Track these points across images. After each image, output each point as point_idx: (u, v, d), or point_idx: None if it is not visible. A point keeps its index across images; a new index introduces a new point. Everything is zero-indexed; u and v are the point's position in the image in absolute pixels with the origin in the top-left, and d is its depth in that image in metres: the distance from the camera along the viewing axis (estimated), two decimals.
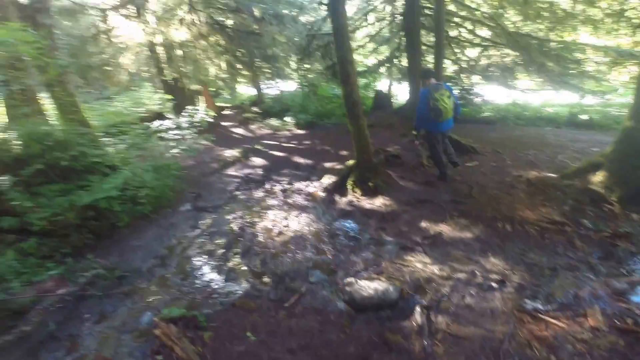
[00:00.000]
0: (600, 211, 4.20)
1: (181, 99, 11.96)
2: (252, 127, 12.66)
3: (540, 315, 2.76)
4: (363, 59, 13.67)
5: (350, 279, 3.47)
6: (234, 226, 5.00)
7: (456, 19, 9.84)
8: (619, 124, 9.55)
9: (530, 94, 10.81)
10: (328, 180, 6.19)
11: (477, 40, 10.24)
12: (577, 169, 5.11)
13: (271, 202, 5.79)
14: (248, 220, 5.12)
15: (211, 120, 10.12)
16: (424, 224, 4.54)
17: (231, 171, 7.96)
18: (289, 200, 5.80)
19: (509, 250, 3.78)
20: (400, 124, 9.32)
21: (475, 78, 11.25)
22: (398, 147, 7.45)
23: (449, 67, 11.82)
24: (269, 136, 10.90)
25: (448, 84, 5.51)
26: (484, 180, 5.63)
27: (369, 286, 3.27)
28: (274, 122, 12.51)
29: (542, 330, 2.64)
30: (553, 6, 7.79)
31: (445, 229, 4.36)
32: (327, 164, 7.27)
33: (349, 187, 5.78)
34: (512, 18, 9.34)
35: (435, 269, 3.56)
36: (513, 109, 11.59)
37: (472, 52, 11.35)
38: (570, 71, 8.46)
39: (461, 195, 5.18)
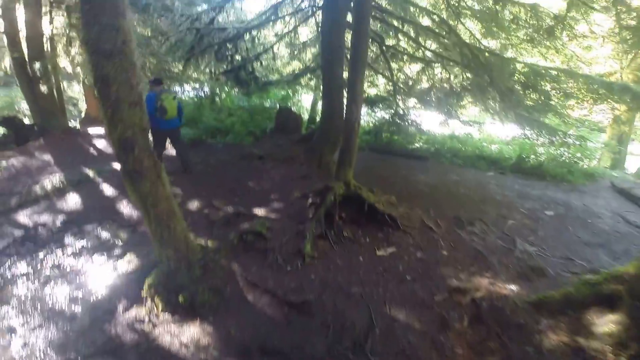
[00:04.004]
0: None
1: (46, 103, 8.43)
2: None
3: None
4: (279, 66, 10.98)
5: None
6: None
7: (395, 22, 7.53)
8: (573, 175, 8.44)
9: (472, 126, 8.91)
10: (128, 265, 3.34)
11: (419, 54, 8.04)
12: (566, 297, 2.93)
13: (22, 290, 3.40)
14: None
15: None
16: None
17: (24, 214, 5.01)
18: (47, 293, 3.35)
19: None
20: (305, 157, 6.70)
21: (412, 101, 9.12)
22: (279, 208, 4.75)
23: (381, 85, 9.61)
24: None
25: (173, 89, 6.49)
26: (396, 299, 3.24)
27: None
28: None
29: None
30: (536, 13, 5.74)
31: None
32: None
33: (148, 293, 2.97)
34: (467, 30, 7.28)
35: None
36: (450, 143, 9.75)
37: (412, 68, 9.24)
38: (534, 102, 6.49)
39: (350, 342, 2.70)
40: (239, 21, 8.95)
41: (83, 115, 11.41)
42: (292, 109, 10.38)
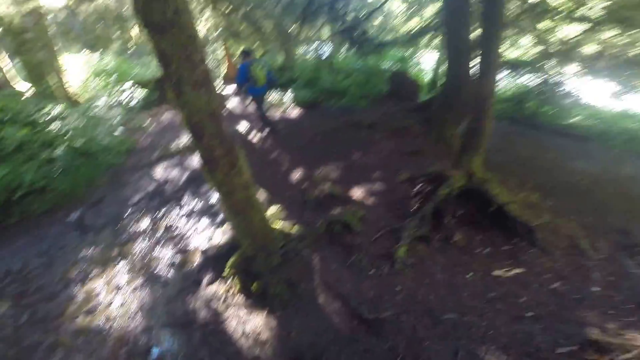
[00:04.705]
0: None
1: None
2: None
3: None
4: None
5: None
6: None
7: None
8: None
9: None
10: (222, 236, 3.46)
11: (579, 13, 5.99)
12: None
13: (137, 246, 3.73)
14: (84, 270, 3.43)
15: None
16: None
17: (159, 170, 5.69)
18: (155, 254, 3.59)
19: None
20: (420, 129, 5.91)
21: (570, 68, 7.03)
22: (379, 192, 4.23)
23: (527, 47, 7.71)
24: (255, 116, 8.10)
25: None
26: (502, 339, 2.39)
27: None
28: (276, 96, 9.49)
29: None
30: None
31: None
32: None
33: (229, 273, 3.01)
34: None
35: None
36: (623, 122, 7.31)
37: (572, 28, 7.05)
38: None
39: None
40: None
41: (223, 75, 12.50)
42: (408, 72, 9.32)
